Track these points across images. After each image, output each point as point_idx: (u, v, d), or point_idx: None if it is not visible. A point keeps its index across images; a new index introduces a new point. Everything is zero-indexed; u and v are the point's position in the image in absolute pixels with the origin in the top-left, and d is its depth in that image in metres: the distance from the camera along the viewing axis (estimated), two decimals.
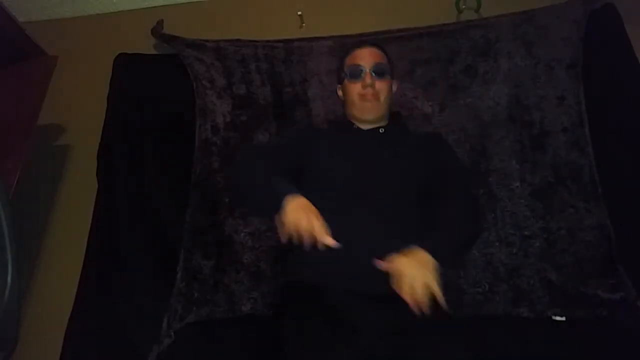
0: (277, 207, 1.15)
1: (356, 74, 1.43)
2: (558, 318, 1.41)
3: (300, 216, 1.11)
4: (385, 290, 1.11)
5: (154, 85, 1.93)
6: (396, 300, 1.10)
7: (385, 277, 1.12)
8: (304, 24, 2.02)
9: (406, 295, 1.05)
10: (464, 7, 1.93)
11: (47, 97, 1.79)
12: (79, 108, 2.00)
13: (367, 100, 1.41)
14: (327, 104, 1.82)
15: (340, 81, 1.54)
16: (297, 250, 1.16)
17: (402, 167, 1.33)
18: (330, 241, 1.08)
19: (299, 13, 2.02)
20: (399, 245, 1.14)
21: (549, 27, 1.75)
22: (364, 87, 1.41)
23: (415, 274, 1.07)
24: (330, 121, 1.61)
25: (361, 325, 1.10)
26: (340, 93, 1.56)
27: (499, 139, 1.67)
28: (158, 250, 1.65)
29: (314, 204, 1.16)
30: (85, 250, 1.65)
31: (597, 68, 1.70)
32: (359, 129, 1.44)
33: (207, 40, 1.91)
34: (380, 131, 1.43)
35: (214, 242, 1.64)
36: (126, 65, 1.94)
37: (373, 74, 1.42)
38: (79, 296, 1.58)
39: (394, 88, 1.53)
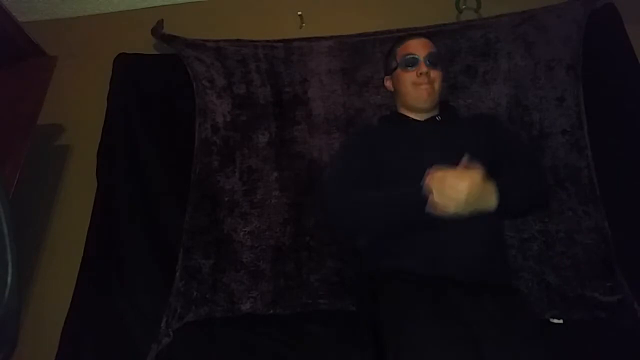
0: (419, 201, 1.17)
1: (411, 62, 1.42)
2: (555, 321, 1.41)
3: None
4: (488, 280, 1.17)
5: (154, 85, 1.93)
6: (497, 291, 1.15)
7: (487, 268, 1.19)
8: (304, 24, 2.02)
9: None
10: (464, 7, 1.93)
11: (47, 97, 1.79)
12: (79, 108, 2.00)
13: (421, 87, 1.40)
14: (327, 104, 1.81)
15: (390, 72, 1.50)
16: (393, 238, 1.22)
17: (466, 152, 1.29)
18: None
19: (299, 13, 2.02)
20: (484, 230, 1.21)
21: (549, 27, 1.75)
22: (419, 75, 1.40)
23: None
24: (382, 117, 1.58)
25: (464, 314, 1.10)
26: (388, 84, 1.53)
27: None
28: (158, 250, 1.66)
29: None
30: (85, 250, 1.66)
31: (597, 68, 1.70)
32: (415, 120, 1.44)
33: (207, 40, 1.91)
34: (437, 119, 1.43)
35: (214, 241, 1.65)
36: (126, 65, 1.94)
37: (428, 63, 1.41)
38: (77, 295, 1.59)
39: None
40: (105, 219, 1.71)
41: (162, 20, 2.00)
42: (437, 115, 1.44)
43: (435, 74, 1.41)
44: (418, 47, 1.44)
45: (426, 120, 1.43)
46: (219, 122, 1.82)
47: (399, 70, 1.45)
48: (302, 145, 1.77)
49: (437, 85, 1.41)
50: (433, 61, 1.42)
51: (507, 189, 1.19)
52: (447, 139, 1.36)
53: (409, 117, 1.45)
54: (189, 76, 1.87)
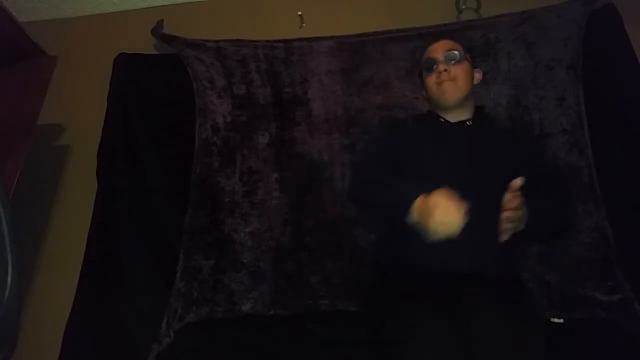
0: (407, 209, 1.17)
1: (430, 65, 1.44)
2: (556, 320, 1.41)
3: (442, 205, 1.11)
4: (493, 273, 1.16)
5: (154, 85, 1.93)
6: (496, 282, 1.14)
7: (491, 260, 1.19)
8: (304, 24, 2.02)
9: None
10: (464, 7, 1.93)
11: (47, 97, 1.79)
12: (79, 108, 2.00)
13: (443, 85, 1.40)
14: (327, 104, 1.81)
15: (420, 79, 1.53)
16: (398, 236, 1.23)
17: (493, 162, 1.32)
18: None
19: (299, 13, 2.02)
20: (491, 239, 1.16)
21: (549, 27, 1.75)
22: (438, 74, 1.41)
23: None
24: (416, 117, 1.60)
25: (461, 308, 1.12)
26: (424, 93, 1.53)
27: None
28: (158, 250, 1.66)
29: None
30: (85, 250, 1.66)
31: (597, 68, 1.70)
32: (447, 122, 1.44)
33: (207, 40, 1.91)
34: (468, 124, 1.42)
35: (214, 241, 1.65)
36: (126, 65, 1.94)
37: (446, 61, 1.42)
38: (78, 296, 1.59)
39: (477, 76, 1.49)
40: (106, 219, 1.71)
41: (162, 20, 2.00)
42: (468, 120, 1.42)
43: (456, 70, 1.40)
44: (436, 50, 1.45)
45: (456, 123, 1.42)
46: (219, 123, 1.82)
47: (424, 75, 1.48)
48: (302, 145, 1.77)
49: (461, 81, 1.40)
50: (451, 58, 1.42)
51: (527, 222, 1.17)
52: (472, 147, 1.35)
53: (440, 117, 1.45)
54: (189, 76, 1.87)
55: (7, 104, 1.74)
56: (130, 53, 1.97)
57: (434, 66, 1.43)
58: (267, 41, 1.90)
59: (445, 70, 1.40)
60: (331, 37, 1.88)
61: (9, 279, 1.10)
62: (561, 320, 1.41)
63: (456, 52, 1.42)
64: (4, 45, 1.77)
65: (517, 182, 1.12)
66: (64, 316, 1.56)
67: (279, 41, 1.90)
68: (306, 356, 1.42)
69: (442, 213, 1.10)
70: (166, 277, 1.59)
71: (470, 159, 1.32)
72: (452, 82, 1.39)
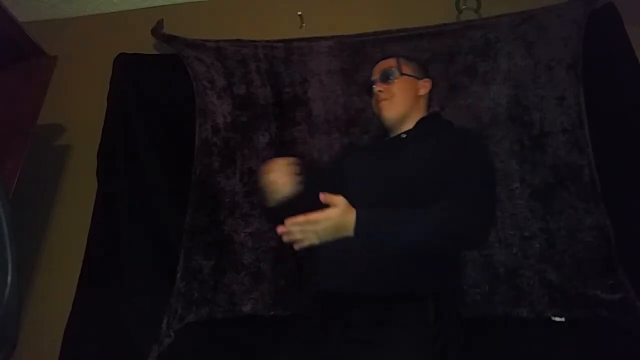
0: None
1: (369, 88, 1.47)
2: (557, 319, 1.41)
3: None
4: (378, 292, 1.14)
5: (154, 85, 1.93)
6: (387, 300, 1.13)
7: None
8: (304, 24, 2.02)
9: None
10: (464, 7, 1.93)
11: (47, 97, 1.79)
12: (79, 108, 2.00)
13: (380, 104, 1.41)
14: (327, 104, 1.81)
15: None
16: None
17: (406, 177, 1.27)
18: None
19: (299, 13, 2.02)
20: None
21: (549, 27, 1.75)
22: (376, 95, 1.43)
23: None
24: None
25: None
26: None
27: (498, 140, 1.66)
28: (158, 251, 1.66)
29: None
30: (85, 250, 1.66)
31: (597, 68, 1.70)
32: (382, 138, 1.45)
33: (207, 40, 1.91)
34: (402, 136, 1.39)
35: (214, 242, 1.65)
36: (126, 65, 1.94)
37: (381, 80, 1.42)
38: (78, 296, 1.59)
39: (425, 86, 1.45)
40: (106, 219, 1.71)
41: (162, 20, 2.00)
42: (403, 133, 1.39)
43: (393, 87, 1.40)
44: (375, 71, 1.47)
45: (392, 138, 1.41)
46: (219, 123, 1.82)
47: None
48: (302, 146, 1.77)
49: (397, 99, 1.39)
50: (385, 77, 1.42)
51: (368, 223, 1.12)
52: (384, 162, 1.33)
53: (383, 135, 1.46)
54: (189, 76, 1.87)
55: (7, 104, 1.75)
56: (130, 53, 1.97)
57: (372, 89, 1.44)
58: (267, 41, 1.90)
59: (380, 91, 1.41)
60: (331, 37, 1.88)
61: (9, 279, 1.10)
62: (562, 319, 1.41)
63: (392, 70, 1.42)
64: (4, 45, 1.77)
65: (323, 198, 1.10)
66: (64, 316, 1.56)
67: (279, 41, 1.90)
68: (306, 356, 1.42)
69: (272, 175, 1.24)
70: (166, 277, 1.60)
71: (378, 174, 1.30)
72: (387, 101, 1.40)
